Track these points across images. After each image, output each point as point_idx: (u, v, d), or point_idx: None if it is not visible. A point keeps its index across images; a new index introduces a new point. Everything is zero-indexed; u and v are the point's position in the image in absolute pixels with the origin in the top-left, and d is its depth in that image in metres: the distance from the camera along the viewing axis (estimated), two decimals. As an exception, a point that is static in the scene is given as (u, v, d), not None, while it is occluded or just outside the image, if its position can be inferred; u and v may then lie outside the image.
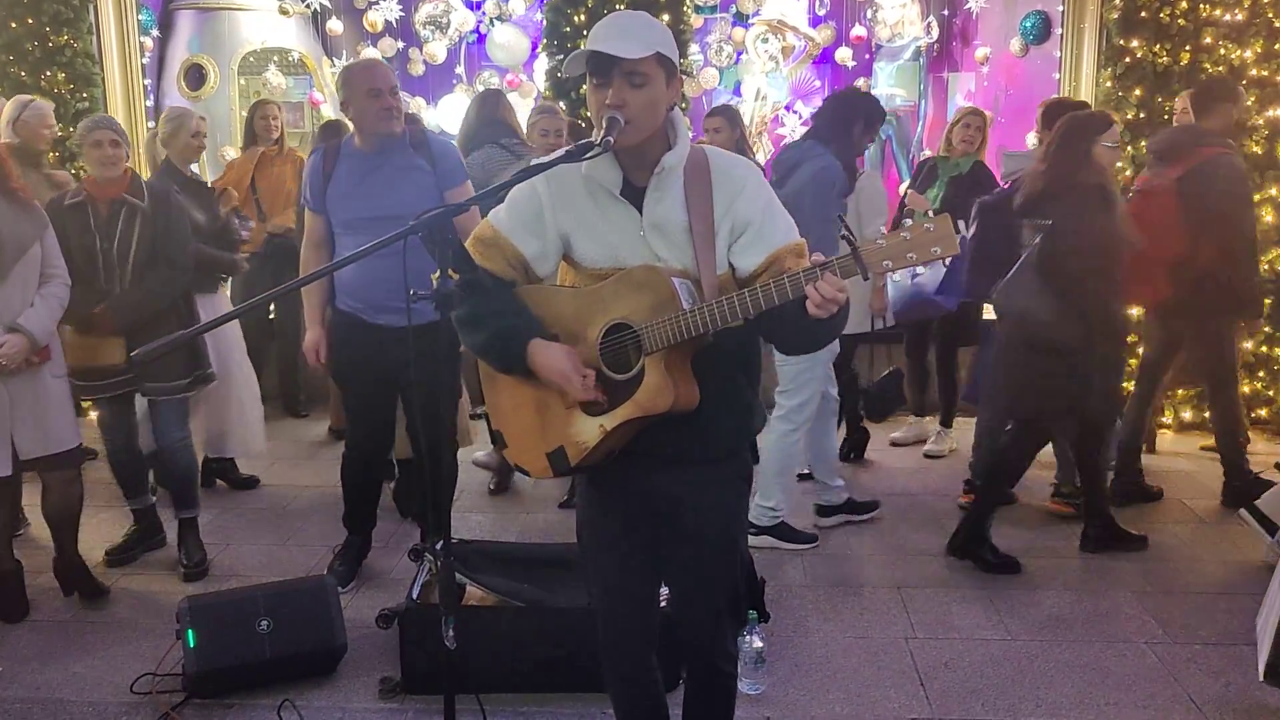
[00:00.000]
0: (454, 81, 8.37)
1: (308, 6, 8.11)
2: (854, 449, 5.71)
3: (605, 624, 2.42)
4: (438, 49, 8.00)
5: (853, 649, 3.57)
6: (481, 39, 8.31)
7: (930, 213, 5.28)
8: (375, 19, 7.95)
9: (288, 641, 3.29)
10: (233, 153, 7.18)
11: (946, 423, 5.84)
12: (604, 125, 1.99)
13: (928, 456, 5.76)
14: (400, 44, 8.09)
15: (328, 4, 8.17)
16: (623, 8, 6.15)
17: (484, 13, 8.14)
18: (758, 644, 3.27)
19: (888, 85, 8.54)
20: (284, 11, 7.81)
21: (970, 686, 3.34)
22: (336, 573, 3.93)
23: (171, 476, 4.30)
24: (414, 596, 3.35)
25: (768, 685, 3.31)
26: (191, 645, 3.20)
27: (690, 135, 2.19)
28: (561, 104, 6.28)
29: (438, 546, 2.50)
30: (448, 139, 4.05)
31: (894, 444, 5.95)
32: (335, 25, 8.13)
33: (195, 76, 7.97)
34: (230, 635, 3.24)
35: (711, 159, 2.14)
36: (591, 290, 2.13)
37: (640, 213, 2.11)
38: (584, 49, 2.01)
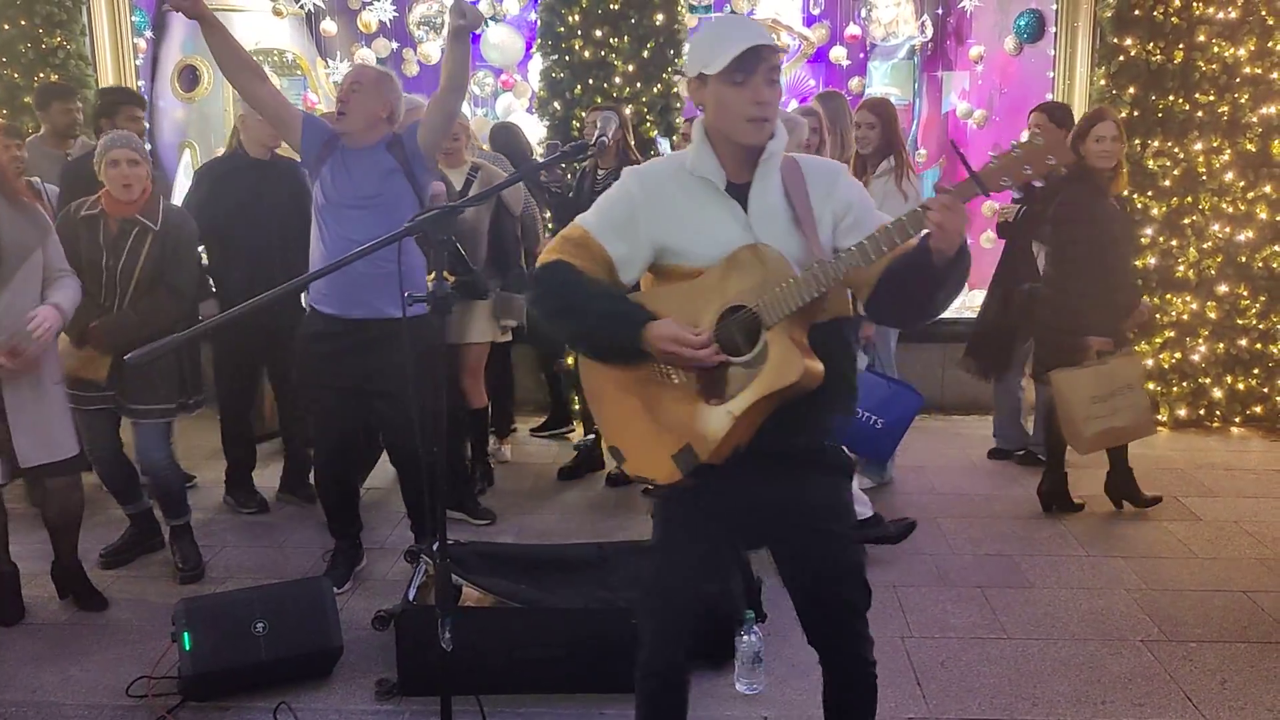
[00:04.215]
0: (448, 82, 8.35)
1: (301, 7, 8.09)
2: None
3: (656, 618, 2.37)
4: (432, 49, 7.99)
5: (849, 648, 3.57)
6: (476, 39, 8.30)
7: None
8: (369, 20, 7.93)
9: (284, 644, 3.28)
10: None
11: None
12: (597, 126, 2.00)
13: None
14: (394, 44, 8.08)
15: (321, 5, 8.16)
16: (616, 7, 6.15)
17: (478, 13, 8.13)
18: (755, 644, 3.26)
19: (882, 84, 8.53)
20: (278, 12, 7.80)
21: (966, 685, 3.34)
22: (332, 576, 3.92)
23: (156, 492, 4.28)
24: (410, 598, 3.35)
25: (765, 685, 3.30)
26: (187, 648, 3.19)
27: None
28: (556, 104, 6.28)
29: (433, 548, 2.50)
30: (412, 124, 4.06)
31: None
32: (329, 26, 8.11)
33: (189, 78, 7.95)
34: (226, 638, 3.23)
35: (797, 157, 2.21)
36: (693, 283, 2.14)
37: (744, 208, 2.14)
38: (730, 49, 2.01)
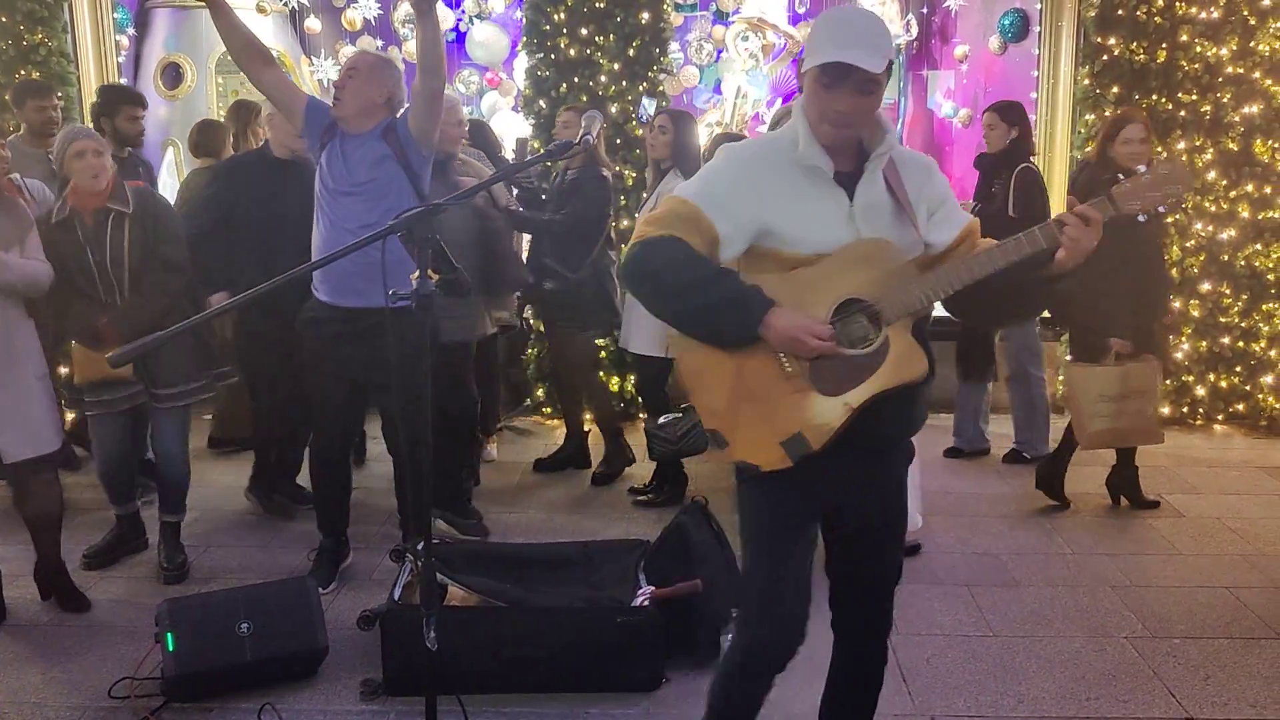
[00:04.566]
0: (433, 80, 8.34)
1: (285, 5, 8.07)
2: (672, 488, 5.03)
3: (780, 619, 2.28)
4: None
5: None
6: (461, 37, 8.28)
7: None
8: (354, 17, 7.92)
9: (268, 644, 3.26)
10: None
11: None
12: (582, 125, 2.00)
13: None
14: (379, 42, 8.05)
15: (306, 2, 8.14)
16: (601, 5, 6.14)
17: (464, 11, 8.12)
18: (740, 642, 3.25)
19: (867, 83, 8.55)
20: (261, 10, 7.77)
21: (952, 683, 3.34)
22: (314, 576, 3.91)
23: (163, 483, 4.26)
24: (395, 597, 3.33)
25: (751, 683, 3.30)
26: (171, 649, 3.17)
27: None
28: (541, 102, 6.27)
29: (419, 547, 2.49)
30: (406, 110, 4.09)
31: None
32: (313, 23, 8.10)
33: (172, 75, 7.92)
34: (210, 638, 3.21)
35: (892, 149, 2.20)
36: (806, 272, 2.11)
37: (850, 197, 2.12)
38: (823, 54, 2.00)
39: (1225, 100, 6.08)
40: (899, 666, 3.42)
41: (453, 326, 4.46)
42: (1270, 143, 6.08)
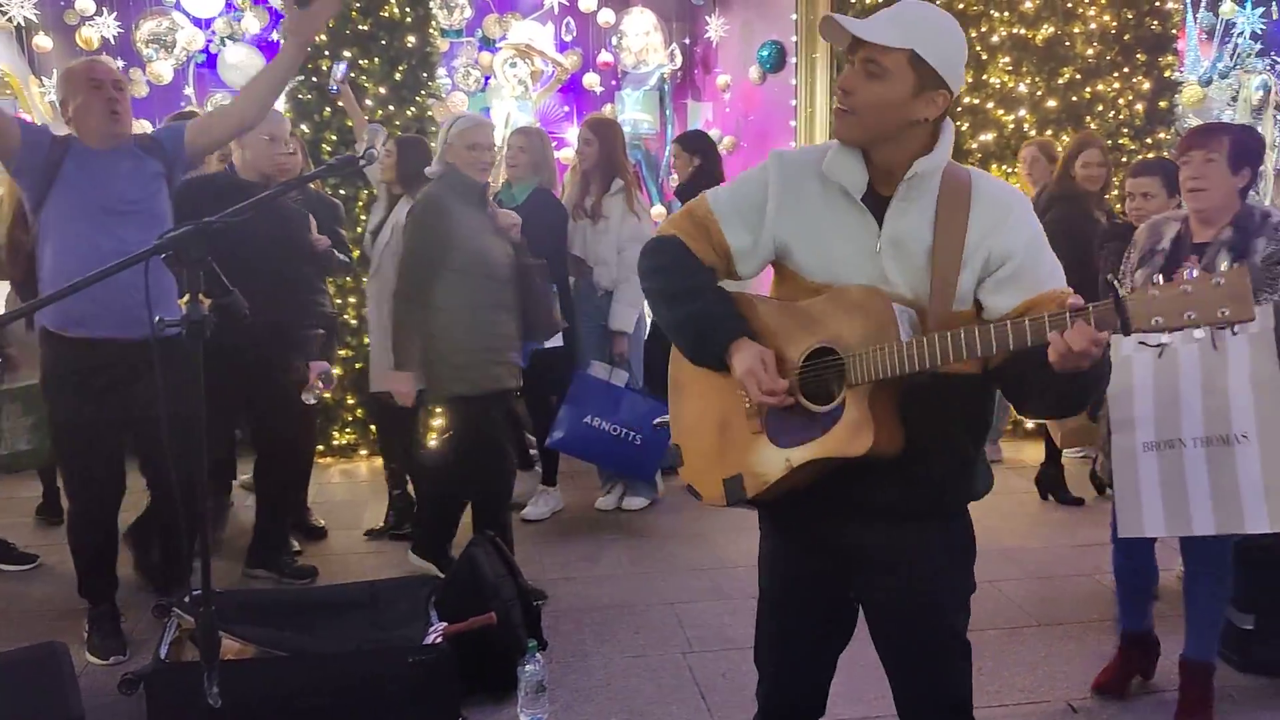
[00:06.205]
0: (183, 104, 7.86)
1: (10, 20, 7.42)
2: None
3: (772, 689, 2.19)
4: (163, 69, 7.51)
5: (632, 669, 3.56)
6: (212, 60, 7.87)
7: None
8: (90, 35, 7.37)
9: (12, 719, 2.93)
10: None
11: (550, 480, 5.25)
12: (364, 139, 1.90)
13: (526, 521, 5.06)
14: (121, 63, 7.52)
15: (34, 19, 7.51)
16: (365, 28, 5.98)
17: (214, 31, 7.72)
18: (538, 672, 3.19)
19: (634, 111, 8.73)
20: (-18, 25, 7.13)
21: (749, 695, 3.35)
22: (102, 647, 3.59)
23: None
24: (162, 656, 3.07)
25: (549, 715, 3.23)
26: (-108, 735, 2.80)
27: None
28: (304, 127, 6.02)
29: (186, 599, 2.29)
30: (172, 125, 3.89)
31: (525, 521, 5.06)
32: (44, 41, 7.49)
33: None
34: (-59, 720, 2.86)
35: (975, 180, 1.89)
36: (799, 306, 1.89)
37: (880, 225, 1.85)
38: (832, 15, 1.81)
39: (964, 129, 6.54)
40: (696, 683, 3.44)
41: (500, 373, 4.00)
42: (1003, 168, 6.59)
